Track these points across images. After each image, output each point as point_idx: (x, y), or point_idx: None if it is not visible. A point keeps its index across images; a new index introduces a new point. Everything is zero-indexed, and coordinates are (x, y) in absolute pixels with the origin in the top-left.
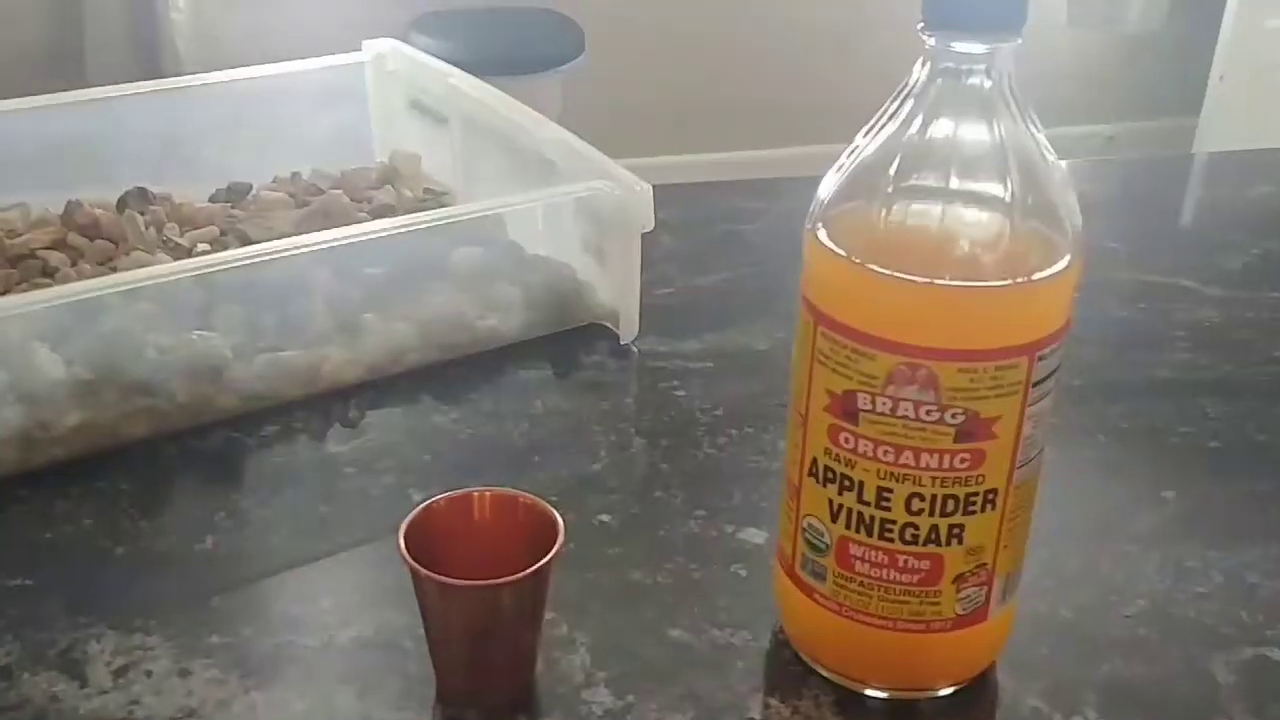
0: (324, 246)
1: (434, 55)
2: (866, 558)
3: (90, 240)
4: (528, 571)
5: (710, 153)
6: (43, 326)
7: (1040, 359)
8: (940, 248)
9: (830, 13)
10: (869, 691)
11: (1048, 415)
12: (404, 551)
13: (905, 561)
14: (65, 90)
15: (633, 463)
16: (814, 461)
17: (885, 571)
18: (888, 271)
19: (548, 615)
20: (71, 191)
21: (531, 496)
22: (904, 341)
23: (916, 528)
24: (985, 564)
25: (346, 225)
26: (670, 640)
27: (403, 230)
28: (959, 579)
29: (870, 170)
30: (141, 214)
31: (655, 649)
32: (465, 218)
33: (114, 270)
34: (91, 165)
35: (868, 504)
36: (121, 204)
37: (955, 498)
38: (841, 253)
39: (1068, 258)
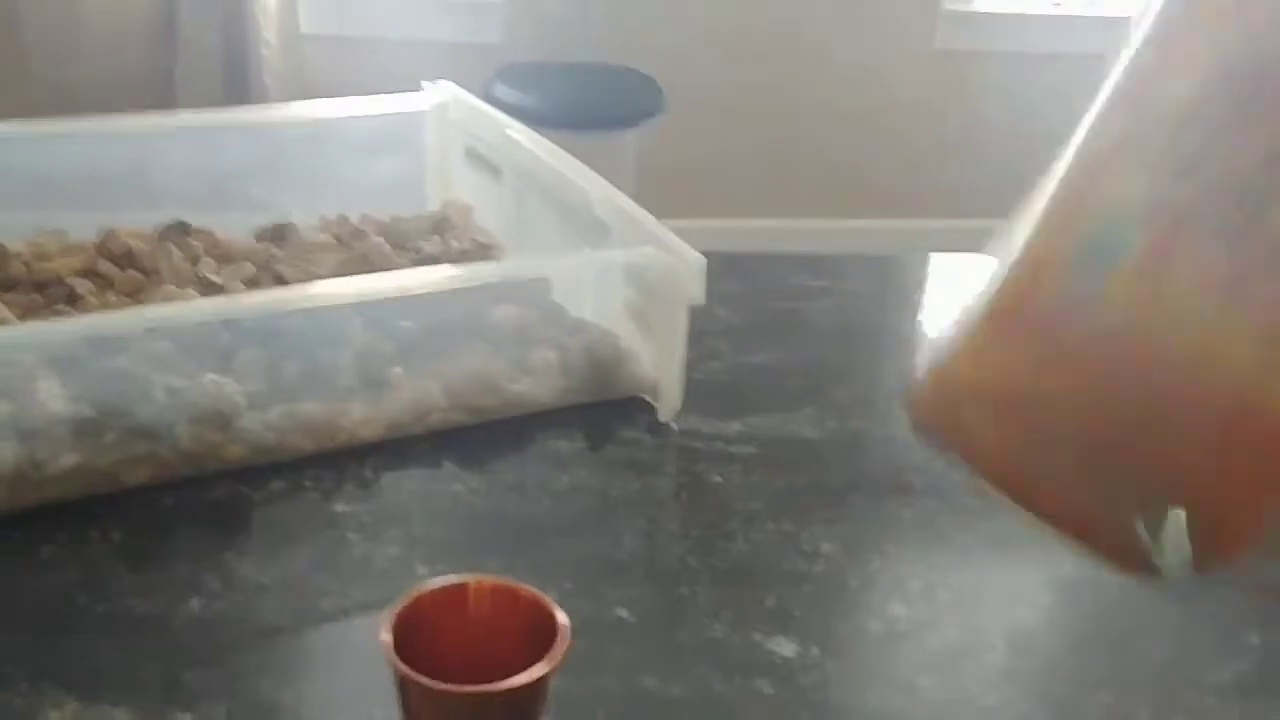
0: (358, 297)
1: (514, 107)
2: None
3: (122, 270)
4: (522, 680)
5: (789, 218)
6: (54, 357)
7: None
8: None
9: (918, 79)
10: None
11: None
12: (388, 648)
13: None
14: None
15: (659, 553)
16: None
17: None
18: None
19: None
20: (118, 220)
21: (534, 590)
22: None
23: None
24: None
25: (386, 274)
26: None
27: (442, 286)
28: None
29: None
30: (179, 247)
31: None
32: (507, 277)
33: (140, 303)
34: (142, 195)
35: None
36: (161, 236)
37: None
38: None
39: None
